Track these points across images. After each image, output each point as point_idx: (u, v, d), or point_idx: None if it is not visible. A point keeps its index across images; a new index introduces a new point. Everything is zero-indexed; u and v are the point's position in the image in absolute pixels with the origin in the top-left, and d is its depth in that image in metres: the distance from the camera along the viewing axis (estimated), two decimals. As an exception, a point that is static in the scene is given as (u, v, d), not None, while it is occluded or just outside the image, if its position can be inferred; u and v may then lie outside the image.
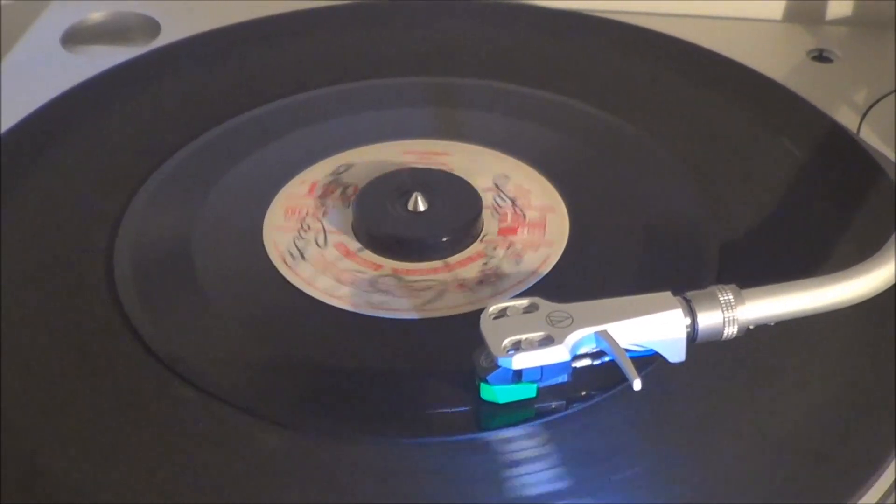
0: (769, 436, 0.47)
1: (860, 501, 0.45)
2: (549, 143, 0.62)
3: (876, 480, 0.46)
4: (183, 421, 0.48)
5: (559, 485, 0.46)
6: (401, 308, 0.52)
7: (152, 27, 0.73)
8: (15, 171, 0.60)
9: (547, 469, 0.46)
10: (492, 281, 0.53)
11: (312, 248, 0.55)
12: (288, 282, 0.53)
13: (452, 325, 0.51)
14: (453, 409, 0.48)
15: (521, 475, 0.46)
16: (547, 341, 0.46)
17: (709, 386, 0.49)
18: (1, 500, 0.45)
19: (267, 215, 0.57)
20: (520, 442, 0.47)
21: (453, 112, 0.65)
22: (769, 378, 0.50)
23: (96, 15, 0.74)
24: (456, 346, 0.48)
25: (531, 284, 0.53)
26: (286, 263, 0.54)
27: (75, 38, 0.73)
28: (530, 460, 0.46)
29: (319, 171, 0.60)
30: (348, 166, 0.60)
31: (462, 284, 0.53)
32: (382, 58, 0.69)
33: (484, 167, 0.60)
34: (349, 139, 0.62)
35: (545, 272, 0.54)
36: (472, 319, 0.47)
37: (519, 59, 0.69)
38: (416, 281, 0.53)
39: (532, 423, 0.47)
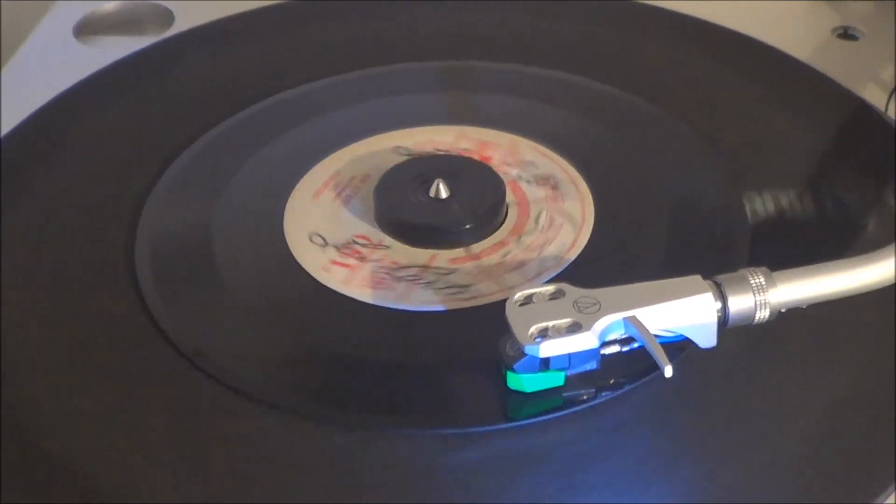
0: (793, 432, 0.46)
1: (886, 502, 0.44)
2: (573, 126, 0.61)
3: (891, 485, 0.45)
4: (202, 412, 0.47)
5: (587, 475, 0.45)
6: (423, 298, 0.51)
7: (166, 17, 0.73)
8: (31, 163, 0.60)
9: (576, 459, 0.45)
10: (516, 269, 0.52)
11: (334, 234, 0.55)
12: (307, 272, 0.53)
13: (477, 314, 0.50)
14: (479, 400, 0.47)
15: (549, 466, 0.45)
16: (575, 328, 0.45)
17: (732, 377, 0.48)
18: (19, 495, 0.45)
19: (289, 201, 0.57)
20: (549, 432, 0.46)
21: (468, 96, 0.65)
22: (791, 373, 0.49)
23: (109, 5, 0.74)
24: (481, 335, 0.48)
25: (559, 271, 0.52)
26: (305, 251, 0.54)
27: (88, 29, 0.73)
28: (558, 450, 0.46)
29: (347, 156, 0.59)
30: (379, 152, 0.60)
31: (486, 273, 0.52)
32: (415, 42, 0.69)
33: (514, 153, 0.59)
34: (370, 126, 0.61)
35: (572, 258, 0.53)
36: (496, 308, 0.47)
37: (544, 43, 0.68)
38: (437, 269, 0.53)
39: (560, 413, 0.46)
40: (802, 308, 0.47)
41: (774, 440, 0.46)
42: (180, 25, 0.72)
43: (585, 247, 0.54)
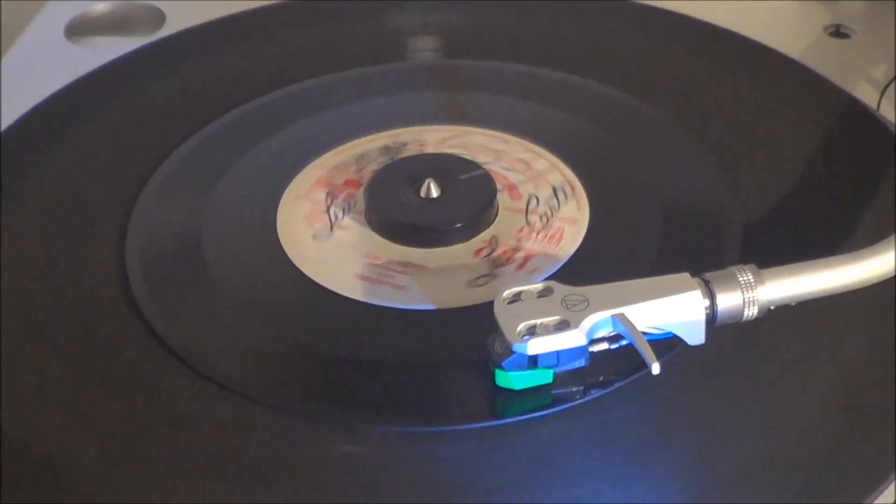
0: (789, 431, 0.46)
1: (876, 502, 0.44)
2: (566, 126, 0.61)
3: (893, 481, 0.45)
4: (195, 412, 0.47)
5: (576, 472, 0.45)
6: (412, 296, 0.51)
7: (157, 17, 0.73)
8: (20, 164, 0.60)
9: (564, 457, 0.45)
10: (507, 267, 0.53)
11: (325, 234, 0.54)
12: (300, 271, 0.53)
13: (466, 312, 0.50)
14: (468, 398, 0.47)
15: (537, 463, 0.45)
16: (563, 325, 0.45)
17: (726, 375, 0.48)
18: (14, 495, 0.44)
19: (281, 202, 0.57)
20: (537, 429, 0.46)
21: (467, 96, 0.64)
22: (783, 371, 0.49)
23: (100, 6, 0.74)
24: (470, 333, 0.48)
25: (552, 270, 0.52)
26: (298, 250, 0.54)
27: (79, 29, 0.73)
28: (548, 448, 0.45)
29: (337, 157, 0.59)
30: (366, 152, 0.59)
31: (476, 272, 0.52)
32: (391, 43, 0.69)
33: (505, 152, 0.59)
34: (364, 126, 0.61)
35: (566, 257, 0.53)
36: (485, 306, 0.47)
37: (534, 41, 0.68)
38: (428, 268, 0.53)
39: (549, 410, 0.46)
40: (792, 305, 0.47)
41: (770, 439, 0.46)
42: (171, 26, 0.72)
43: (579, 246, 0.54)
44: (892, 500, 0.44)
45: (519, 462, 0.45)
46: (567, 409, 0.46)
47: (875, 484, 0.44)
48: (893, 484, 0.44)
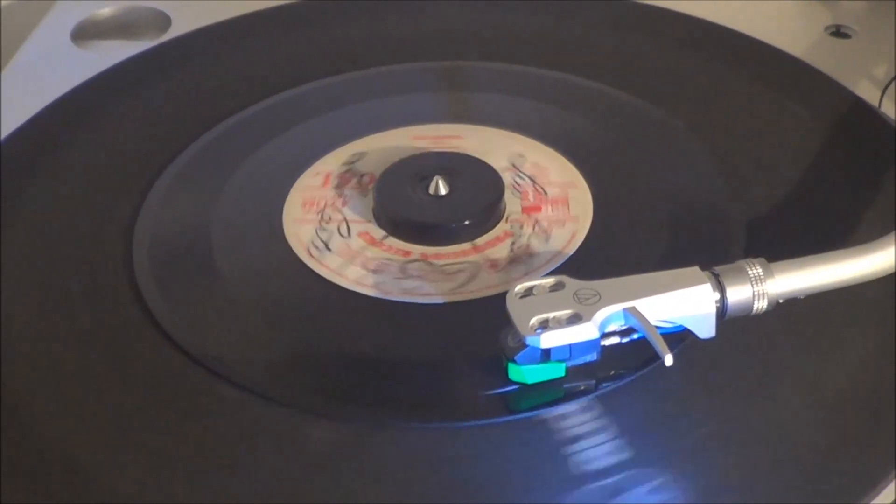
0: (788, 429, 0.46)
1: (876, 501, 0.44)
2: (566, 123, 0.61)
3: (890, 481, 0.45)
4: (210, 413, 0.47)
5: (587, 466, 0.45)
6: (433, 293, 0.51)
7: (163, 21, 0.73)
8: (27, 167, 0.60)
9: (576, 450, 0.45)
10: (523, 259, 0.53)
11: (336, 238, 0.55)
12: (317, 274, 0.53)
13: (477, 307, 0.51)
14: (488, 393, 0.47)
15: (552, 456, 0.45)
16: (575, 319, 0.45)
17: (724, 375, 0.48)
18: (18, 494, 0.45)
19: (285, 208, 0.57)
20: (550, 423, 0.46)
21: (462, 95, 0.65)
22: (783, 371, 0.49)
23: (106, 10, 0.74)
24: (482, 328, 0.48)
25: (565, 259, 0.53)
26: (312, 256, 0.54)
27: (85, 33, 0.73)
28: (561, 441, 0.46)
29: (333, 161, 0.59)
30: (362, 154, 0.60)
31: (493, 265, 0.53)
32: (390, 44, 0.69)
33: (498, 148, 0.59)
34: (360, 127, 0.62)
35: (572, 252, 0.53)
36: (497, 301, 0.47)
37: (533, 41, 0.69)
38: (446, 265, 0.53)
39: (562, 404, 0.46)
40: (800, 299, 0.47)
41: (769, 438, 0.46)
42: (176, 29, 0.72)
43: (584, 241, 0.54)
44: (892, 500, 0.44)
45: (533, 457, 0.45)
46: (580, 403, 0.47)
47: (875, 483, 0.44)
48: (893, 483, 0.44)
